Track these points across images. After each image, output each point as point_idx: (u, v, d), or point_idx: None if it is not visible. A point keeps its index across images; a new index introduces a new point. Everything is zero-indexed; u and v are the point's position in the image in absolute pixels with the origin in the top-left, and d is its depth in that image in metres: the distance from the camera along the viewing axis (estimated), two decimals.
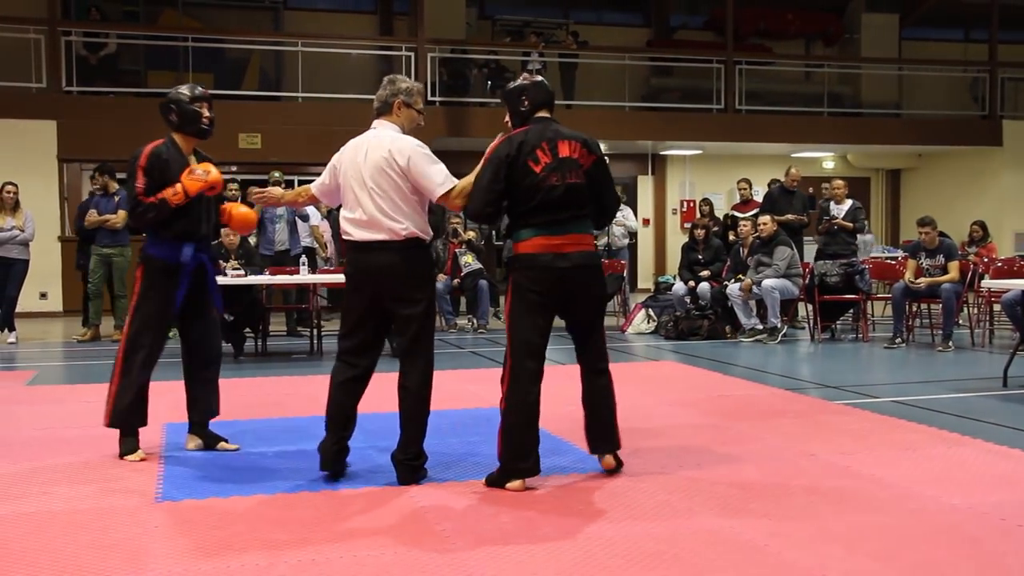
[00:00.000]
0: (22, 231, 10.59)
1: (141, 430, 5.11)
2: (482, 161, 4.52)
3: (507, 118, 4.67)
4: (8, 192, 10.63)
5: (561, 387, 5.32)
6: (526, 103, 4.58)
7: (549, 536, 3.74)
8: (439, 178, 4.50)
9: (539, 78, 4.75)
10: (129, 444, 5.05)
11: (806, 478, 4.60)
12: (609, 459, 4.70)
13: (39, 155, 13.40)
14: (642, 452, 5.11)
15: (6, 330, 10.59)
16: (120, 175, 10.94)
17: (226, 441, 5.27)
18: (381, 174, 4.46)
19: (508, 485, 4.41)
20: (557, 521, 3.93)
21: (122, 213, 10.34)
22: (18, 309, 10.80)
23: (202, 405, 5.23)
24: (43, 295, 12.82)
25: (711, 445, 5.30)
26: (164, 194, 4.91)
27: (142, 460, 4.97)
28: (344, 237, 4.62)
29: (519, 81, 4.70)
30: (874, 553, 3.53)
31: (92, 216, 10.60)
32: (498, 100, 15.55)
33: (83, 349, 10.15)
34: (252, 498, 4.29)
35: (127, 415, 5.02)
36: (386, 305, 4.54)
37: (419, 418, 4.57)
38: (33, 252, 10.85)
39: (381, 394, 5.03)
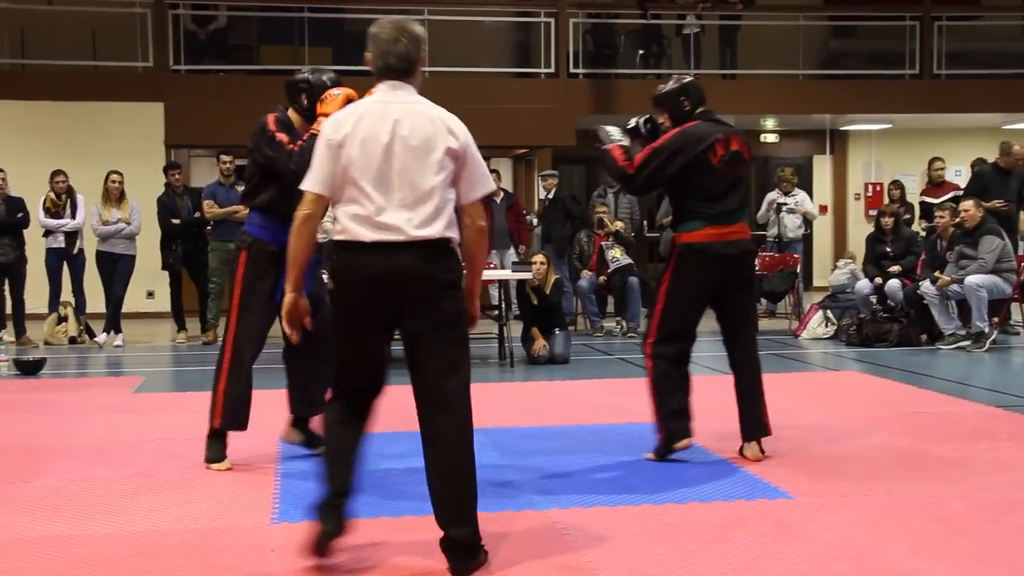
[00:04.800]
0: (128, 224, 11.08)
1: (252, 440, 5.28)
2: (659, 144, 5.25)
3: (663, 119, 5.41)
4: (113, 182, 11.13)
5: (715, 402, 5.27)
6: (686, 103, 5.38)
7: (711, 571, 3.71)
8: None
9: (688, 78, 5.54)
10: (217, 450, 5.28)
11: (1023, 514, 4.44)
12: (755, 447, 5.39)
13: (145, 140, 13.88)
14: (822, 477, 5.02)
15: (112, 332, 11.08)
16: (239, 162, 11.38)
17: None
18: (423, 154, 3.70)
19: (676, 445, 5.26)
20: (720, 553, 3.89)
21: None
22: (124, 309, 11.26)
23: (310, 397, 5.39)
24: (150, 294, 13.27)
25: (904, 471, 5.17)
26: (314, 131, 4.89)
27: (228, 470, 5.21)
28: (344, 237, 3.75)
29: (671, 84, 5.45)
30: None
31: (213, 207, 10.88)
32: (652, 71, 15.60)
33: (191, 353, 10.57)
34: (376, 520, 4.37)
35: (235, 415, 5.24)
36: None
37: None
38: (139, 247, 11.32)
39: (511, 406, 5.08)
